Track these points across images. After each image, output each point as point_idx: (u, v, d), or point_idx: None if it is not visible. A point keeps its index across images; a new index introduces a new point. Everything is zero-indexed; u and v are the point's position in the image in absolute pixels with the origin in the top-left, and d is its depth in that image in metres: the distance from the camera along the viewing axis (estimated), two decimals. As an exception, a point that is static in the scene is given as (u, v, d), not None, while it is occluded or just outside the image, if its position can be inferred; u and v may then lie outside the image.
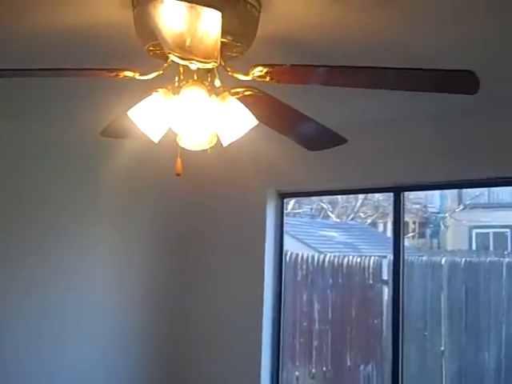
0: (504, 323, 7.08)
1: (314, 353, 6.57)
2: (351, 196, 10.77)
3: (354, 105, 3.85)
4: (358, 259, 6.78)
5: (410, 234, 12.17)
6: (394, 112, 4.09)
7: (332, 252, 7.67)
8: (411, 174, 4.41)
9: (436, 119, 4.16)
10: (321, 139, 2.99)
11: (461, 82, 2.29)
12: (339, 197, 10.90)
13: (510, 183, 4.90)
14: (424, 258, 7.50)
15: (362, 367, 6.56)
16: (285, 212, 5.14)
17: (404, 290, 4.65)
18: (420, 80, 2.38)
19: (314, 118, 2.78)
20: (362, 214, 12.06)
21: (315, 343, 6.57)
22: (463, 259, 7.39)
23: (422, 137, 4.31)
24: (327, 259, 6.73)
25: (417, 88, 2.49)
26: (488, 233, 12.09)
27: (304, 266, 6.53)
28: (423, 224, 12.71)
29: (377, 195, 10.70)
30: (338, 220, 11.87)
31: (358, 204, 11.81)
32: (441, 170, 4.27)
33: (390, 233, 9.90)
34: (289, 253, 6.17)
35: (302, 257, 6.56)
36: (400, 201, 4.62)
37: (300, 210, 11.44)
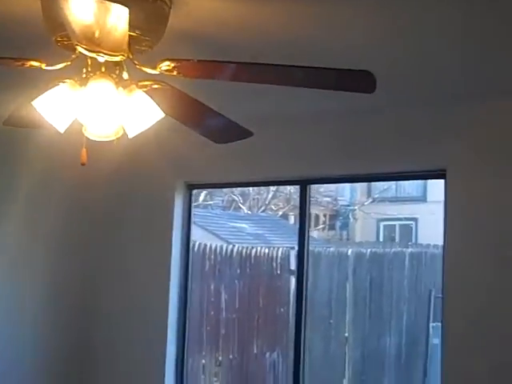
0: (405, 311, 7.38)
1: (220, 341, 6.64)
2: (262, 188, 10.87)
3: (260, 99, 3.91)
4: (266, 250, 6.88)
5: (321, 226, 12.39)
6: (301, 107, 4.19)
7: (242, 243, 7.76)
8: (318, 167, 4.52)
9: (342, 115, 4.27)
10: (226, 132, 3.05)
11: (359, 81, 2.41)
12: (251, 189, 10.99)
13: (414, 177, 5.09)
14: (331, 249, 7.69)
15: (267, 355, 6.68)
16: (193, 203, 5.18)
17: (309, 279, 4.78)
18: (321, 78, 2.49)
19: (220, 112, 2.84)
20: (273, 207, 12.18)
21: (222, 332, 6.65)
22: (369, 250, 7.63)
23: (329, 131, 4.44)
24: (235, 250, 6.81)
25: (318, 86, 2.58)
26: (394, 225, 12.47)
27: (212, 257, 6.58)
28: (333, 216, 12.94)
29: (288, 188, 10.84)
30: (249, 212, 11.98)
31: (270, 196, 11.92)
32: (346, 163, 4.41)
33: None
34: (197, 243, 6.22)
35: (211, 247, 6.62)
36: (306, 193, 4.72)
37: (211, 202, 11.47)
